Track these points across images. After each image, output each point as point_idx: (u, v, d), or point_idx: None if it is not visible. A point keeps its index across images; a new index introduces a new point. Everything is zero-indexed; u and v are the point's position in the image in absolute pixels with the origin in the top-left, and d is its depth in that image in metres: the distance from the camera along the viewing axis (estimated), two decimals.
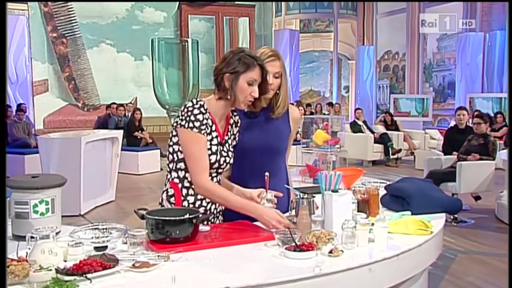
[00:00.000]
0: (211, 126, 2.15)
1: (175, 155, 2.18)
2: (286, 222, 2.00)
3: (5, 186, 1.77)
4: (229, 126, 2.28)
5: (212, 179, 2.21)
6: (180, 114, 2.13)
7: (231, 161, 2.27)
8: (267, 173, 2.30)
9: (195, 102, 2.12)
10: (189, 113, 2.09)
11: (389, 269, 1.85)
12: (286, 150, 2.52)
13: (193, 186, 2.17)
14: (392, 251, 1.89)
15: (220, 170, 2.23)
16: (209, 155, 2.13)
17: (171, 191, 2.21)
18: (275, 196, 2.23)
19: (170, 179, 2.21)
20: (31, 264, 1.54)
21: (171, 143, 2.18)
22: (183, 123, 2.09)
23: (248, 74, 2.11)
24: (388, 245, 1.96)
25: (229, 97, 2.12)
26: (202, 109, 2.11)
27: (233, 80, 2.10)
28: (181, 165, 2.16)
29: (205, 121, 2.10)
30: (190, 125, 2.08)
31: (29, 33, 13.01)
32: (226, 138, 2.24)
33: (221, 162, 2.19)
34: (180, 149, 2.15)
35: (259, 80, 2.15)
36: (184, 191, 2.19)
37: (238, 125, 2.34)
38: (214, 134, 2.16)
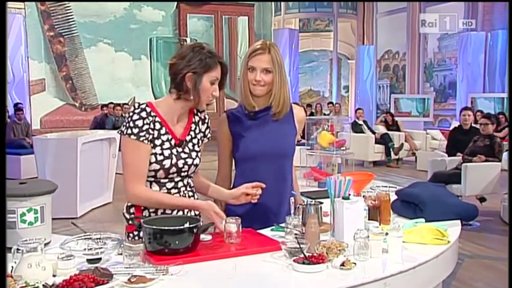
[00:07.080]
0: (159, 130, 2.01)
1: None
2: (222, 215, 1.99)
3: (4, 192, 1.64)
4: (193, 125, 2.12)
5: (177, 184, 2.06)
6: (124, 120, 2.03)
7: (197, 162, 2.09)
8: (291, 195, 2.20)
9: (136, 107, 2.00)
10: (129, 119, 1.98)
11: (405, 282, 1.72)
12: (294, 153, 2.36)
13: None
14: (409, 263, 1.76)
15: (183, 174, 2.07)
16: (162, 160, 1.99)
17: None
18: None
19: None
20: (16, 280, 1.42)
21: None
22: (123, 129, 1.99)
23: (211, 74, 2.01)
24: (403, 256, 1.83)
25: (192, 97, 2.00)
26: (143, 113, 1.97)
27: (196, 80, 1.98)
28: None
29: (146, 126, 1.96)
30: (129, 131, 1.96)
31: (25, 31, 12.87)
32: (187, 138, 2.08)
33: (180, 165, 2.03)
34: None
35: (219, 77, 2.06)
36: None
37: (207, 121, 2.18)
38: (165, 138, 2.01)
